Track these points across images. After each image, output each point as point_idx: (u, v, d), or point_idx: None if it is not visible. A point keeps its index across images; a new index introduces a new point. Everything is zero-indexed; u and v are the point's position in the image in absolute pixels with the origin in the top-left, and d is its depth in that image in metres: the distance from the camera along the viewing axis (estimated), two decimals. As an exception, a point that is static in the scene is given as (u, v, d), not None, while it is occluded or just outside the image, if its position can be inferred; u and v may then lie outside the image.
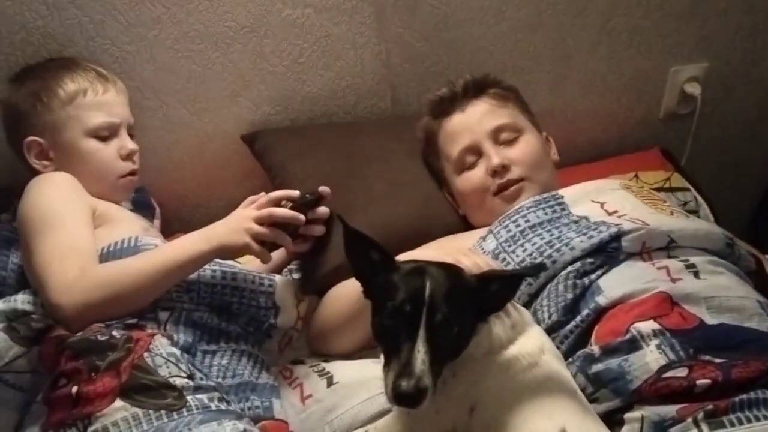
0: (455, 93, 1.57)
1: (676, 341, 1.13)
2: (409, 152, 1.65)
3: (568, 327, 1.23)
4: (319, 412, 1.24)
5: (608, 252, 1.28)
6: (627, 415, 1.11)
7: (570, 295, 1.25)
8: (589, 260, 1.27)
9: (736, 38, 2.01)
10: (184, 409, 1.08)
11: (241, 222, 1.28)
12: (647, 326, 1.16)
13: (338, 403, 1.24)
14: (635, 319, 1.17)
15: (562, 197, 1.43)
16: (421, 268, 1.04)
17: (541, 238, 1.34)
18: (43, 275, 1.21)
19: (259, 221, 1.27)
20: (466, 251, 1.30)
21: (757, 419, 1.03)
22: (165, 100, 1.67)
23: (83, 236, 1.27)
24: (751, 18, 1.99)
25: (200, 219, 1.69)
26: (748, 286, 1.28)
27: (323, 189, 1.37)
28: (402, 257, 1.14)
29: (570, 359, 1.20)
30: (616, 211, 1.37)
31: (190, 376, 1.15)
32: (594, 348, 1.18)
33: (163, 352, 1.16)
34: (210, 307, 1.30)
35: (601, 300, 1.22)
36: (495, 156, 1.49)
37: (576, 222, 1.36)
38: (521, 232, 1.37)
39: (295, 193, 1.34)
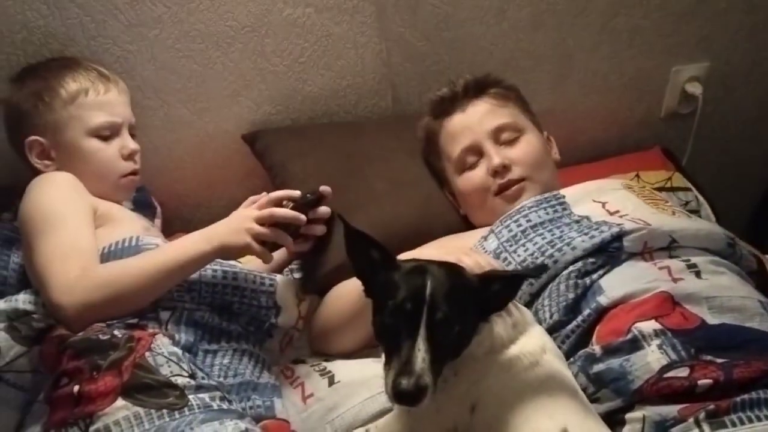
0: (456, 93, 1.57)
1: (677, 341, 1.13)
2: (410, 152, 1.65)
3: (570, 327, 1.23)
4: (320, 411, 1.24)
5: (610, 252, 1.28)
6: (628, 415, 1.11)
7: (571, 295, 1.25)
8: (591, 260, 1.27)
9: (737, 38, 2.01)
10: (185, 409, 1.09)
11: (242, 222, 1.28)
12: (649, 326, 1.16)
13: (339, 402, 1.24)
14: (637, 319, 1.17)
15: (564, 197, 1.43)
16: (422, 267, 1.04)
17: (543, 238, 1.34)
18: (45, 275, 1.21)
19: (260, 221, 1.27)
20: (467, 250, 1.31)
21: (759, 419, 1.03)
22: (166, 100, 1.67)
23: (85, 236, 1.27)
24: (752, 17, 1.99)
25: (201, 218, 1.69)
26: (750, 286, 1.28)
27: (324, 188, 1.37)
28: (403, 256, 1.14)
29: (571, 359, 1.20)
30: (617, 211, 1.37)
31: (192, 376, 1.15)
32: (595, 348, 1.18)
33: (164, 351, 1.16)
34: (211, 307, 1.30)
35: (603, 300, 1.22)
36: (496, 156, 1.49)
37: (577, 222, 1.36)
38: (523, 231, 1.37)
39: (296, 193, 1.34)
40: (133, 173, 1.47)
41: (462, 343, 1.04)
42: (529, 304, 1.28)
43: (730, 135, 2.17)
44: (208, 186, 1.79)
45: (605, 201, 1.41)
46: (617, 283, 1.24)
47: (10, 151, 1.46)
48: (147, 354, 1.13)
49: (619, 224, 1.31)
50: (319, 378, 1.30)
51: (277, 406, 1.26)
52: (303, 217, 1.32)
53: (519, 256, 1.33)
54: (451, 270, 1.05)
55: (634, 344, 1.15)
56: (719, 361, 1.10)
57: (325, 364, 1.34)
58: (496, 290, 1.07)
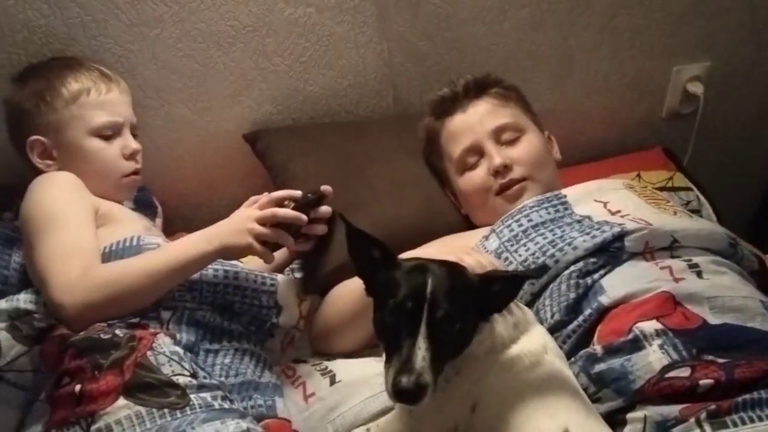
0: (456, 93, 1.57)
1: (678, 341, 1.13)
2: (411, 151, 1.65)
3: (571, 326, 1.23)
4: (321, 410, 1.25)
5: (611, 252, 1.28)
6: (629, 415, 1.11)
7: (573, 295, 1.25)
8: (592, 260, 1.27)
9: (738, 37, 2.01)
10: (187, 408, 1.09)
11: (243, 222, 1.28)
12: (650, 326, 1.15)
13: (341, 401, 1.24)
14: (638, 319, 1.17)
15: (565, 196, 1.43)
16: (423, 266, 1.04)
17: (544, 238, 1.34)
18: (46, 274, 1.21)
19: (262, 221, 1.27)
20: (469, 250, 1.31)
21: (760, 419, 1.03)
22: (167, 99, 1.67)
23: (86, 236, 1.27)
24: (754, 17, 1.99)
25: (202, 218, 1.69)
26: (751, 286, 1.28)
27: (325, 188, 1.37)
28: (404, 256, 1.14)
29: (572, 359, 1.20)
30: (619, 211, 1.37)
31: (193, 375, 1.15)
32: (596, 348, 1.18)
33: (166, 350, 1.16)
34: (212, 306, 1.30)
35: (604, 300, 1.22)
36: (497, 156, 1.49)
37: (579, 221, 1.36)
38: (524, 231, 1.37)
39: (297, 193, 1.34)
40: (135, 173, 1.47)
41: (462, 341, 1.04)
42: (530, 304, 1.28)
43: (731, 135, 2.16)
44: (209, 185, 1.79)
45: (607, 201, 1.41)
46: (618, 282, 1.24)
47: (11, 150, 1.46)
48: (149, 353, 1.13)
49: (620, 224, 1.31)
50: (321, 377, 1.30)
51: (279, 406, 1.26)
52: (304, 217, 1.32)
53: (520, 255, 1.33)
54: (452, 269, 1.05)
55: (636, 344, 1.15)
56: (721, 361, 1.10)
57: (326, 363, 1.34)
58: (497, 290, 1.07)
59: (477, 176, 1.52)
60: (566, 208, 1.40)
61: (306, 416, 1.25)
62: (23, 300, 1.25)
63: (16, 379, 1.19)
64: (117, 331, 1.16)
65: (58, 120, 1.39)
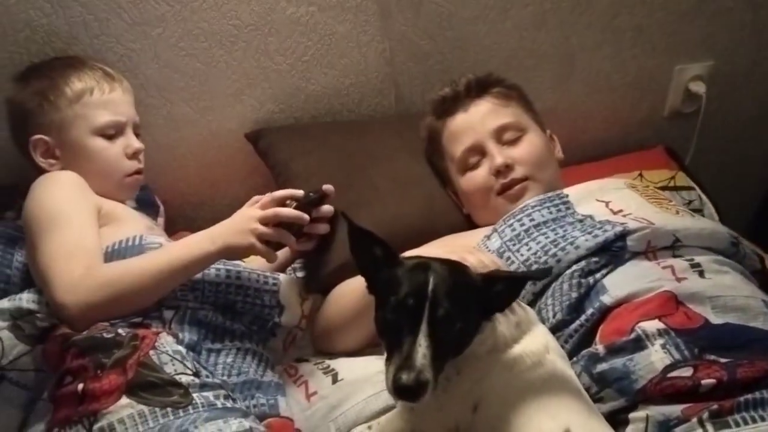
0: (458, 92, 1.57)
1: (681, 341, 1.13)
2: (413, 151, 1.65)
3: (573, 326, 1.23)
4: (324, 408, 1.25)
5: (613, 251, 1.28)
6: (632, 415, 1.11)
7: (575, 294, 1.25)
8: (594, 259, 1.27)
9: (740, 36, 2.01)
10: (190, 407, 1.09)
11: (245, 222, 1.28)
12: (652, 326, 1.15)
13: (343, 399, 1.24)
14: (640, 319, 1.17)
15: (567, 196, 1.43)
16: (424, 264, 1.04)
17: (546, 237, 1.34)
18: (49, 274, 1.21)
19: (264, 221, 1.27)
20: (471, 249, 1.31)
21: (762, 419, 1.03)
22: (169, 98, 1.67)
23: (89, 235, 1.27)
24: (756, 16, 1.99)
25: (204, 217, 1.69)
26: (753, 286, 1.27)
27: (327, 187, 1.37)
28: (406, 255, 1.14)
29: (574, 358, 1.19)
30: (621, 210, 1.37)
31: (196, 374, 1.15)
32: (599, 347, 1.18)
33: (168, 349, 1.16)
34: (215, 306, 1.30)
35: (606, 299, 1.22)
36: (498, 156, 1.49)
37: (581, 221, 1.36)
38: (526, 231, 1.37)
39: (300, 192, 1.34)
40: (138, 172, 1.47)
41: (464, 340, 1.04)
42: (532, 303, 1.28)
43: (733, 134, 2.16)
44: (211, 184, 1.79)
45: (608, 200, 1.41)
46: (621, 282, 1.24)
47: (13, 149, 1.46)
48: (151, 352, 1.14)
49: (622, 223, 1.31)
50: (323, 376, 1.30)
51: (281, 405, 1.26)
52: (306, 216, 1.32)
53: (522, 255, 1.33)
54: (454, 267, 1.05)
55: (638, 344, 1.14)
56: (723, 360, 1.10)
57: (328, 362, 1.34)
58: (499, 290, 1.06)
59: (478, 176, 1.52)
60: (568, 208, 1.40)
61: (308, 415, 1.25)
62: (26, 299, 1.25)
63: (19, 378, 1.19)
64: (119, 331, 1.17)
65: (62, 119, 1.39)
